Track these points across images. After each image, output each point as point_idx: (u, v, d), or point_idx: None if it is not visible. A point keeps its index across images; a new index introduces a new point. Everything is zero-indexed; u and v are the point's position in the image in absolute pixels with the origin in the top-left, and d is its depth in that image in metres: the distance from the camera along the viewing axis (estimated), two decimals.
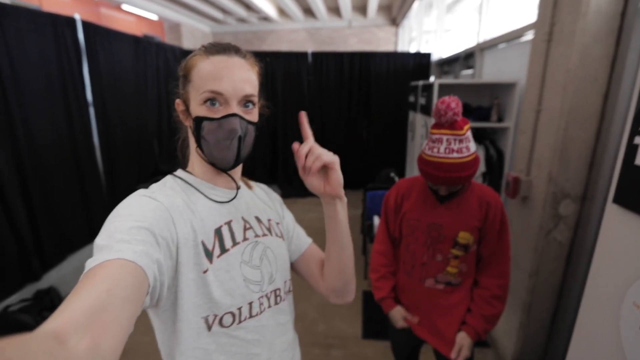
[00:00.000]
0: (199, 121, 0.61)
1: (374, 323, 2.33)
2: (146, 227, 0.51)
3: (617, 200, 0.64)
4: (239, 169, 0.73)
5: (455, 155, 1.06)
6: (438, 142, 1.09)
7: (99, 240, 0.48)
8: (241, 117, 0.62)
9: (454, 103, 1.05)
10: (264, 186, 0.85)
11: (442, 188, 1.15)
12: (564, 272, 1.72)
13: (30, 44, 2.43)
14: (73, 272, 2.80)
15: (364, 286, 2.76)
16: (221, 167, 0.66)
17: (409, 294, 1.29)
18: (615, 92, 1.44)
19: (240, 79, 0.62)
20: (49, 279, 2.64)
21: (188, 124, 0.66)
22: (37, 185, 2.51)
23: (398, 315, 1.28)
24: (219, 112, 0.61)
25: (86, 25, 2.90)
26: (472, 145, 1.10)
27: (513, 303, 1.93)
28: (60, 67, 2.67)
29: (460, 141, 1.07)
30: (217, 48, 0.63)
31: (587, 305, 0.74)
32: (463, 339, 1.21)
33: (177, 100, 0.67)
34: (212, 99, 0.61)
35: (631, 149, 0.60)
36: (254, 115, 0.66)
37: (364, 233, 3.03)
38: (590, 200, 1.58)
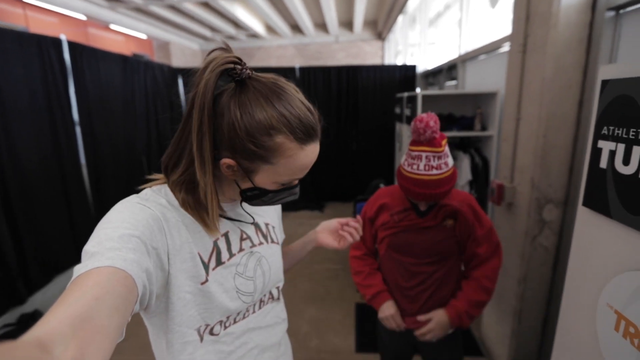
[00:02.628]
0: (264, 191, 0.61)
1: (368, 336, 2.30)
2: (137, 236, 0.50)
3: (586, 203, 0.66)
4: None
5: (434, 172, 1.08)
6: (417, 158, 1.09)
7: (89, 246, 0.47)
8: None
9: (432, 121, 1.06)
10: None
11: (422, 204, 1.17)
12: (552, 278, 1.73)
13: (16, 64, 2.43)
14: (59, 293, 2.70)
15: (357, 299, 2.74)
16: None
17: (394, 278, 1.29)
18: (589, 98, 1.48)
19: None
20: (35, 301, 2.56)
21: (233, 177, 0.61)
22: (21, 205, 2.46)
23: (392, 310, 1.23)
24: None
25: (72, 45, 2.91)
26: (450, 160, 1.12)
27: (504, 310, 1.93)
28: (46, 87, 2.67)
29: (439, 157, 1.08)
30: (309, 133, 0.58)
31: (566, 309, 0.75)
32: (437, 314, 1.19)
33: (227, 161, 0.57)
34: None
35: (596, 152, 0.62)
36: None
37: None
38: (572, 205, 1.61)
